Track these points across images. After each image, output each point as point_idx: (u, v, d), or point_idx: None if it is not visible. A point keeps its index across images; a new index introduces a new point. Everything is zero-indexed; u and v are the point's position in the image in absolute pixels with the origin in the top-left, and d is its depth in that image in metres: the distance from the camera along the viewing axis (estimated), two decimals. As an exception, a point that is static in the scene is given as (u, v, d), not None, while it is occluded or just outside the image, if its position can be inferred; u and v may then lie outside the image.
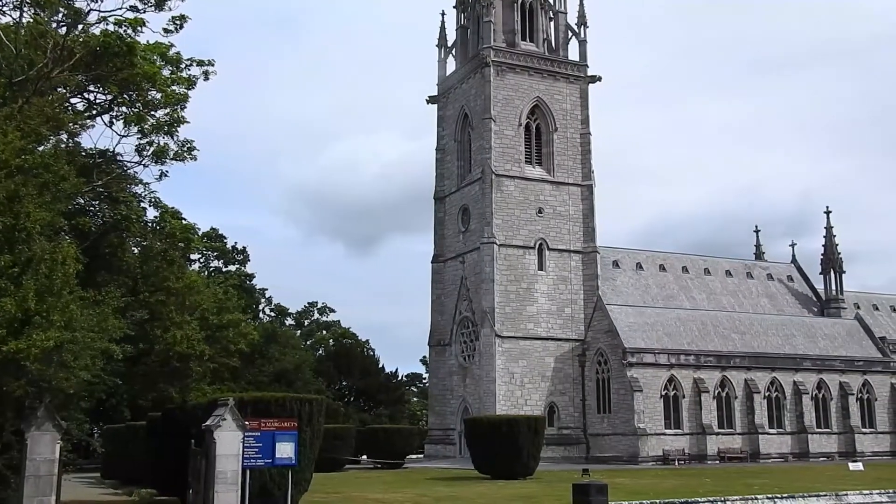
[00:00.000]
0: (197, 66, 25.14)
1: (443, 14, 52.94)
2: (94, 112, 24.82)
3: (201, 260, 60.18)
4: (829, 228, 56.86)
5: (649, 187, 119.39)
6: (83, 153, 24.17)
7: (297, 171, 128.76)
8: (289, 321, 74.88)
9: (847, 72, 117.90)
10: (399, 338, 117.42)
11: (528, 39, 50.13)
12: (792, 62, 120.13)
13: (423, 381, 78.25)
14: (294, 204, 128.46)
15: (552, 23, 51.12)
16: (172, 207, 29.38)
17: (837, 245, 56.24)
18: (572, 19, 50.67)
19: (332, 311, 78.25)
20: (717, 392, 46.02)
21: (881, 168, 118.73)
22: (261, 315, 69.14)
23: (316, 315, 78.05)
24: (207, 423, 15.96)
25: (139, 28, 22.22)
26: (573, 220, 48.10)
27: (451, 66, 52.55)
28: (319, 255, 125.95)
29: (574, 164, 48.87)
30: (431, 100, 52.62)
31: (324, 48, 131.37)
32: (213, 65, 25.25)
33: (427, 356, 53.53)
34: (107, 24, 22.10)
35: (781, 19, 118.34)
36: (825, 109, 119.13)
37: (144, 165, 24.31)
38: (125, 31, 22.00)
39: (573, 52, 50.32)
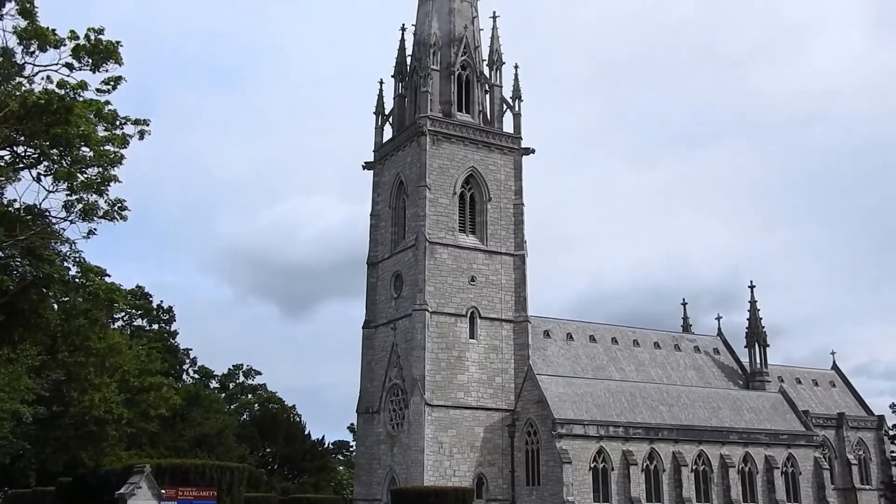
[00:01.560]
0: (133, 124, 25.27)
1: (381, 82, 54.22)
2: (21, 165, 24.66)
3: (125, 318, 59.04)
4: (753, 303, 58.92)
5: (580, 256, 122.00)
6: (6, 206, 23.92)
7: (233, 230, 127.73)
8: (213, 384, 73.50)
9: (766, 145, 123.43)
10: (327, 404, 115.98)
11: (464, 111, 51.54)
12: (715, 133, 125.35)
13: (350, 449, 77.26)
14: (229, 263, 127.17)
15: (488, 96, 52.72)
16: (96, 266, 29.00)
17: (761, 319, 58.27)
18: (507, 93, 52.37)
19: (259, 373, 77.19)
20: (645, 465, 46.67)
21: (804, 241, 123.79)
22: (184, 377, 67.76)
23: (241, 378, 76.80)
24: (121, 490, 15.80)
25: (79, 90, 22.39)
26: (505, 290, 48.89)
27: (388, 133, 53.55)
28: (252, 316, 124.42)
29: (507, 233, 49.92)
30: (367, 166, 53.40)
31: (264, 108, 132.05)
32: (148, 124, 25.38)
33: (355, 423, 53.07)
34: (49, 82, 22.25)
35: (705, 93, 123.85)
36: (747, 181, 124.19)
37: (71, 222, 24.17)
38: (66, 91, 22.15)
39: (508, 125, 51.89)
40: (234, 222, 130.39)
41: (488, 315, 48.02)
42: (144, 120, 24.48)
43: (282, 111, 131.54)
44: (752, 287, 59.26)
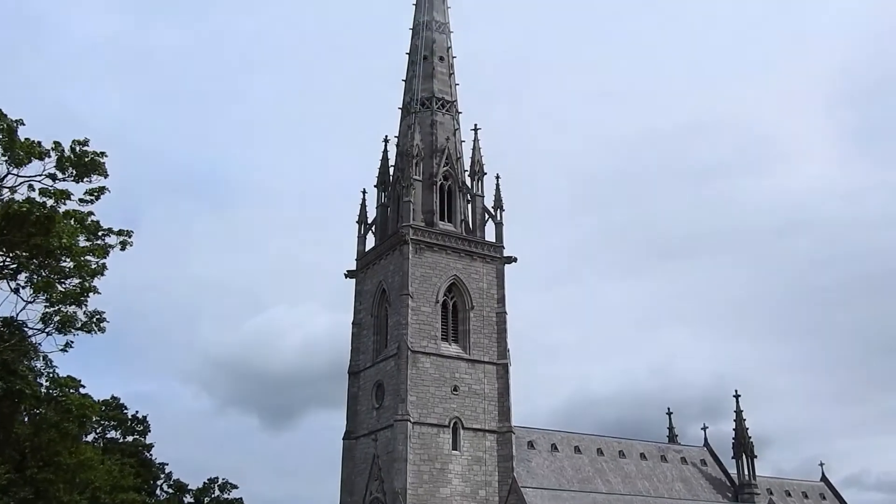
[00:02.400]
0: (115, 235, 25.47)
1: (364, 192, 55.11)
2: (-1, 276, 24.66)
3: (98, 430, 57.70)
4: (738, 412, 58.49)
5: (565, 365, 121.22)
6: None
7: (215, 340, 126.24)
8: (188, 498, 71.23)
9: (749, 255, 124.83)
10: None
11: (446, 220, 52.25)
12: (698, 245, 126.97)
13: (329, 568, 74.44)
14: (209, 373, 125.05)
15: (470, 205, 53.57)
16: (70, 377, 28.60)
17: (748, 429, 57.67)
18: (489, 202, 53.27)
19: (235, 487, 74.80)
20: (633, 582, 45.25)
21: (790, 351, 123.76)
22: (158, 492, 65.76)
23: (217, 492, 74.53)
24: None
25: (62, 200, 22.67)
26: (489, 399, 48.42)
27: (370, 242, 54.02)
28: (231, 427, 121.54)
29: (490, 342, 49.83)
30: (350, 274, 53.64)
31: (248, 218, 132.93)
32: (130, 235, 25.63)
33: (334, 540, 51.37)
34: (31, 191, 22.53)
35: (686, 205, 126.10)
36: (729, 293, 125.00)
37: (48, 334, 24.03)
38: (48, 201, 22.43)
39: (490, 234, 52.58)
40: (216, 331, 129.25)
41: (472, 426, 47.38)
42: (127, 231, 24.78)
43: (266, 220, 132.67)
44: (737, 396, 58.98)
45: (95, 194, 24.23)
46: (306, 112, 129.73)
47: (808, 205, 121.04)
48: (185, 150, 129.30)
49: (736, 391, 59.00)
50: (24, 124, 23.13)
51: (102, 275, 24.07)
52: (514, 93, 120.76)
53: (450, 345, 48.99)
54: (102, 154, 23.80)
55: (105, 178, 23.60)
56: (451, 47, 56.73)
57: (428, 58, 55.55)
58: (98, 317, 24.20)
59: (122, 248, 25.07)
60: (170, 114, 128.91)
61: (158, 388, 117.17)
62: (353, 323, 52.47)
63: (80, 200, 24.07)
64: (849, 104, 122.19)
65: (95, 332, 24.16)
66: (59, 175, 23.61)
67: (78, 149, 23.41)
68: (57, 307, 23.91)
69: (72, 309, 23.77)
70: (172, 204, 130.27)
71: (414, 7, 57.37)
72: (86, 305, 23.98)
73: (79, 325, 23.90)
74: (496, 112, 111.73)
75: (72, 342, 24.19)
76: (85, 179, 24.15)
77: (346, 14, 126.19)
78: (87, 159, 23.18)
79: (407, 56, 56.66)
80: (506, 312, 50.62)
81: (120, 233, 24.65)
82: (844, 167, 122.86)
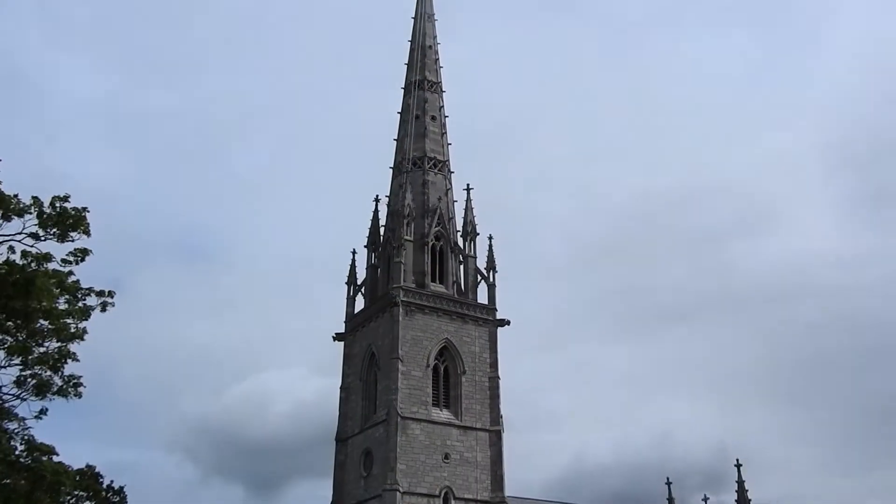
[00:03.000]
0: (96, 296, 24.65)
1: (354, 253, 54.38)
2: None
3: (71, 501, 55.71)
4: (740, 483, 57.09)
5: (562, 433, 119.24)
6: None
7: (200, 406, 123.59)
8: (163, 573, 68.78)
9: (748, 320, 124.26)
10: None
11: (437, 281, 51.50)
12: (696, 310, 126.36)
13: None
14: (194, 440, 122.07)
15: (462, 266, 52.91)
16: (44, 444, 27.31)
17: (750, 500, 56.19)
18: (481, 263, 52.59)
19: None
20: None
21: (792, 419, 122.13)
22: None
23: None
24: None
25: (43, 262, 21.91)
26: (481, 468, 47.07)
27: (360, 304, 53.14)
28: (215, 497, 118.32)
29: (482, 408, 48.65)
30: (338, 337, 52.58)
31: (236, 281, 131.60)
32: (112, 296, 24.81)
33: None
34: (11, 252, 21.79)
35: (683, 269, 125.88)
36: (728, 360, 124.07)
37: (23, 399, 22.98)
38: (29, 262, 21.65)
39: (482, 296, 51.77)
40: (201, 398, 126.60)
41: (463, 496, 45.89)
42: (109, 292, 23.95)
43: (254, 282, 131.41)
44: (738, 466, 57.62)
45: (80, 256, 23.54)
46: (296, 172, 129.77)
47: (808, 271, 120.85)
48: (172, 212, 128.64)
49: (737, 460, 57.72)
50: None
51: (82, 339, 23.20)
52: (508, 153, 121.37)
53: (441, 410, 47.78)
54: (84, 210, 23.14)
55: (87, 236, 22.89)
56: (443, 106, 56.78)
57: (420, 117, 55.53)
58: (75, 381, 23.21)
59: (103, 310, 24.20)
60: (158, 175, 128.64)
61: (139, 457, 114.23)
62: (341, 388, 51.23)
63: (63, 261, 23.34)
64: (847, 170, 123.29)
65: (72, 398, 23.16)
66: (41, 234, 22.91)
67: (59, 205, 22.73)
68: (33, 370, 22.94)
69: (48, 373, 22.82)
70: (159, 266, 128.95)
71: (406, 67, 57.54)
72: (62, 370, 23.02)
73: (55, 389, 22.91)
74: (489, 172, 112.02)
75: (46, 408, 23.17)
76: (68, 238, 23.44)
77: (337, 74, 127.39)
78: (68, 215, 22.46)
79: (399, 115, 56.67)
80: (499, 377, 49.56)
81: (101, 293, 23.83)
82: (843, 233, 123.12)
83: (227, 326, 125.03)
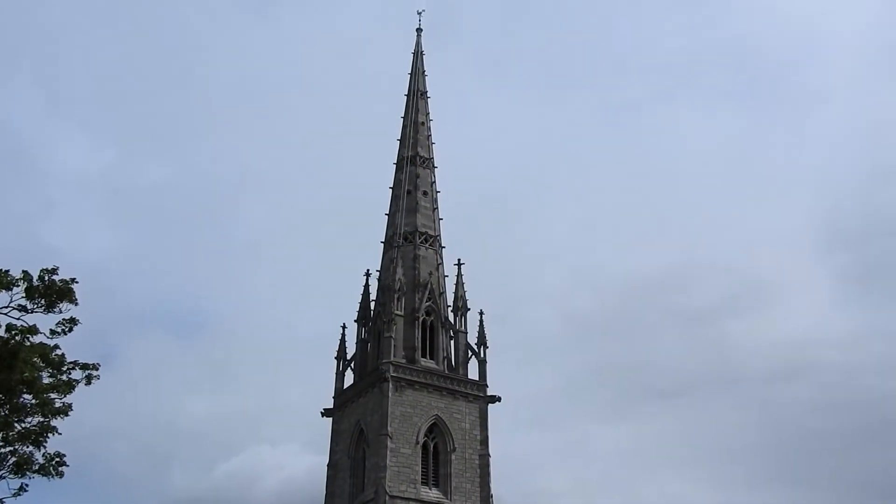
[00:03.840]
0: (80, 369, 24.53)
1: (343, 327, 54.31)
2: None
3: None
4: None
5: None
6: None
7: (189, 481, 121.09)
8: None
9: (742, 399, 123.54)
10: None
11: (428, 356, 51.33)
12: (689, 387, 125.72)
13: None
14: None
15: (452, 342, 52.84)
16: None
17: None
18: (472, 339, 52.55)
19: None
20: None
21: (789, 500, 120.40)
22: None
23: None
24: None
25: (29, 335, 21.92)
26: (471, 549, 46.18)
27: (349, 379, 52.83)
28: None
29: (472, 486, 48.02)
30: (327, 413, 52.11)
31: (227, 357, 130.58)
32: (97, 369, 24.70)
33: None
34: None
35: (676, 346, 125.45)
36: (726, 439, 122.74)
37: (1, 477, 22.61)
38: (13, 335, 21.64)
39: (473, 372, 51.62)
40: (191, 473, 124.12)
41: (453, 579, 44.93)
42: (93, 364, 23.80)
43: (244, 357, 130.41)
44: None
45: (68, 327, 23.56)
46: (289, 245, 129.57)
47: (804, 349, 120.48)
48: (165, 284, 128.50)
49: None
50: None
51: (67, 415, 23.00)
52: (502, 229, 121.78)
53: (430, 489, 47.12)
54: (72, 281, 23.25)
55: (75, 305, 22.95)
56: (434, 182, 57.55)
57: (412, 192, 56.16)
58: (58, 459, 22.91)
59: (88, 383, 24.02)
60: (153, 247, 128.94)
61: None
62: (328, 465, 50.57)
63: (51, 332, 23.34)
64: (839, 247, 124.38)
65: (53, 477, 22.82)
66: (29, 306, 22.97)
67: (47, 277, 22.84)
68: (13, 447, 22.66)
69: (29, 449, 22.55)
70: (151, 338, 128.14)
71: (398, 142, 58.50)
72: (45, 446, 22.76)
73: (36, 467, 22.59)
74: (483, 248, 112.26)
75: (26, 485, 22.79)
76: (55, 308, 23.49)
77: (331, 149, 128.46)
78: (56, 287, 22.56)
79: (391, 190, 57.32)
80: (489, 455, 49.03)
81: (85, 366, 23.70)
82: (837, 311, 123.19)
83: (218, 400, 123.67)
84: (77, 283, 23.28)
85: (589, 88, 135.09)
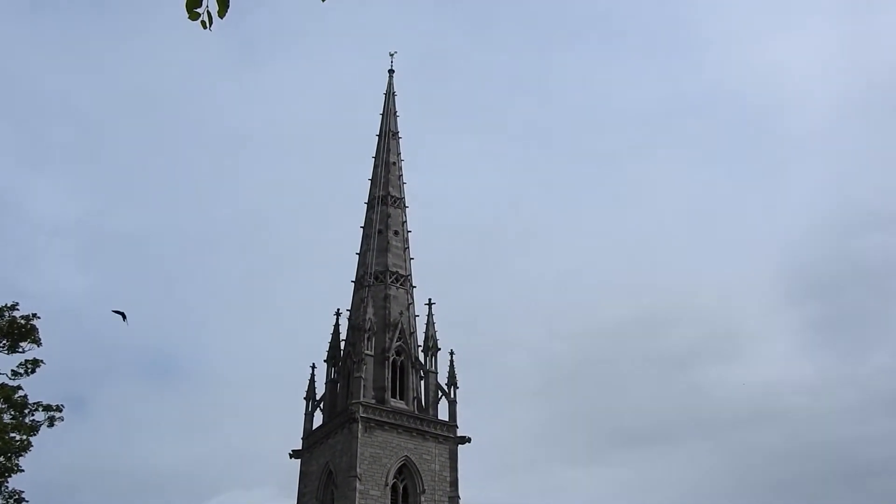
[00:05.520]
0: (43, 410, 24.65)
1: (313, 367, 54.43)
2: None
3: None
4: None
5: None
6: None
7: None
8: None
9: (716, 444, 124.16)
10: None
11: (398, 397, 51.54)
12: (664, 433, 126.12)
13: None
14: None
15: (423, 382, 53.09)
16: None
17: None
18: (443, 379, 52.85)
19: None
20: None
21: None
22: None
23: None
24: None
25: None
26: None
27: (318, 420, 52.81)
28: None
29: (442, 529, 47.97)
30: (295, 454, 52.02)
31: (201, 399, 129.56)
32: (60, 410, 24.84)
33: None
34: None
35: (650, 392, 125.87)
36: (697, 484, 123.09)
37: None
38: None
39: (443, 412, 51.83)
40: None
41: None
42: (56, 406, 23.99)
43: (218, 399, 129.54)
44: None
45: (30, 367, 23.67)
46: (258, 286, 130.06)
47: (774, 396, 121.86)
48: (138, 330, 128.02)
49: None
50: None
51: (26, 451, 23.03)
52: (475, 271, 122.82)
53: (399, 532, 47.03)
54: (34, 316, 23.44)
55: (38, 346, 23.10)
56: (406, 221, 58.18)
57: (383, 232, 56.74)
58: (17, 497, 22.89)
59: (51, 425, 24.17)
60: (125, 294, 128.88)
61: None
62: (297, 509, 50.38)
63: (13, 373, 23.43)
64: (810, 296, 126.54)
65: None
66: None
67: (7, 314, 23.01)
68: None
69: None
70: (123, 384, 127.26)
71: (370, 182, 59.17)
72: (6, 486, 22.75)
73: (-6, 506, 22.58)
74: (454, 289, 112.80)
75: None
76: (17, 349, 23.64)
77: (300, 189, 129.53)
78: (17, 326, 22.72)
79: (361, 229, 57.88)
80: (459, 497, 49.12)
81: (48, 408, 23.84)
82: (808, 358, 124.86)
83: (190, 444, 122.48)
84: (39, 318, 23.54)
85: (565, 139, 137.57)
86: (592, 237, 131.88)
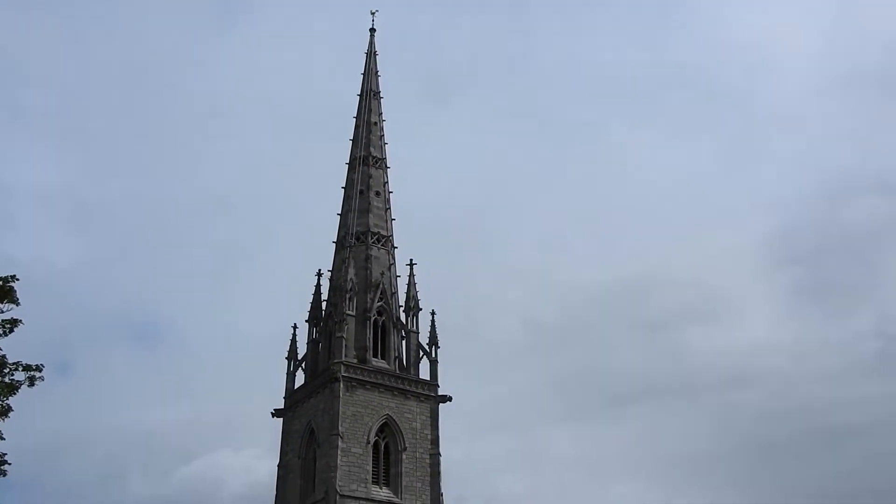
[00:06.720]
0: (23, 370, 24.88)
1: (295, 327, 54.94)
2: None
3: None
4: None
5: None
6: None
7: (149, 489, 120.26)
8: None
9: (695, 407, 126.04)
10: None
11: (379, 356, 52.14)
12: (648, 395, 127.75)
13: None
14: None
15: (404, 342, 53.67)
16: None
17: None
18: (424, 339, 53.39)
19: None
20: None
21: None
22: None
23: None
24: None
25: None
26: (421, 548, 47.10)
27: (300, 379, 53.40)
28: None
29: (423, 485, 48.93)
30: (277, 413, 52.67)
31: (188, 361, 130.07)
32: (40, 370, 25.08)
33: None
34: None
35: (635, 354, 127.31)
36: (679, 445, 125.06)
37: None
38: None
39: (425, 372, 52.47)
40: (151, 480, 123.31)
41: (402, 577, 45.79)
42: (36, 366, 24.22)
43: (205, 361, 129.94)
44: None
45: (8, 327, 23.87)
46: (243, 248, 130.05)
47: (755, 359, 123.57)
48: (124, 294, 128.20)
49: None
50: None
51: (7, 416, 23.35)
52: (458, 232, 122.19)
53: (381, 489, 47.96)
54: (13, 278, 23.63)
55: (16, 305, 23.31)
56: (387, 182, 58.31)
57: (364, 192, 56.88)
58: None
59: (31, 384, 24.41)
60: (112, 259, 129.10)
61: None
62: (279, 465, 51.24)
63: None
64: (792, 262, 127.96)
65: (-4, 475, 23.15)
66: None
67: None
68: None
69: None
70: (107, 349, 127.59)
71: (350, 142, 59.15)
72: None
73: (-26, 468, 22.94)
74: (436, 250, 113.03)
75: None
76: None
77: (281, 149, 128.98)
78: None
79: (343, 190, 57.98)
80: (440, 454, 49.98)
81: (28, 367, 24.11)
82: (790, 322, 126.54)
83: (177, 406, 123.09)
84: (18, 280, 23.70)
85: (550, 105, 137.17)
86: (577, 202, 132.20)
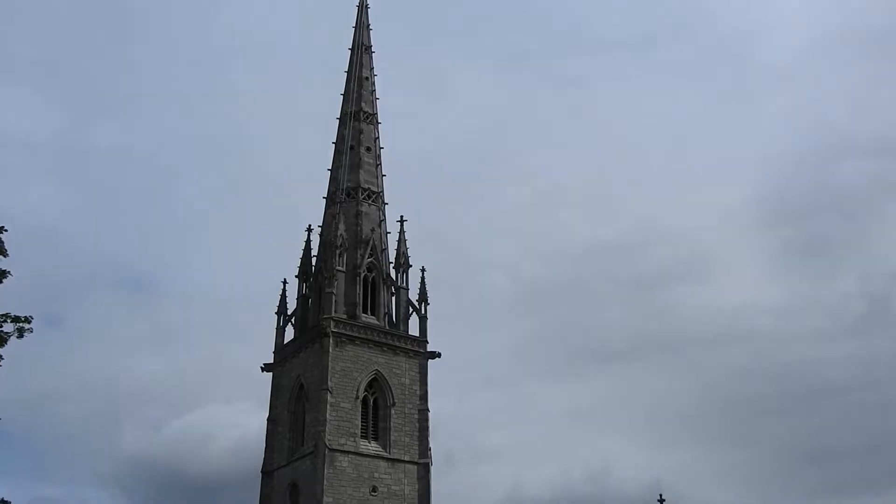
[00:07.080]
0: (12, 321, 24.91)
1: (284, 282, 55.03)
2: None
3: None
4: (666, 518, 58.32)
5: (497, 470, 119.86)
6: None
7: (139, 441, 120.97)
8: None
9: (682, 365, 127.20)
10: None
11: (369, 312, 52.31)
12: (633, 351, 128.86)
13: None
14: (130, 476, 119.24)
15: (394, 298, 53.83)
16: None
17: (672, 534, 57.46)
18: (414, 296, 53.56)
19: None
20: None
21: (724, 461, 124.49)
22: None
23: None
24: None
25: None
26: (409, 501, 47.78)
27: (289, 334, 53.60)
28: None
29: (411, 440, 49.43)
30: (266, 367, 52.93)
31: (178, 315, 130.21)
32: (29, 321, 25.12)
33: None
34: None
35: (620, 315, 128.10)
36: (665, 401, 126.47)
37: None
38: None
39: (414, 328, 52.70)
40: (141, 433, 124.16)
41: (390, 530, 46.45)
42: (25, 317, 24.25)
43: (195, 315, 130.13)
44: (661, 501, 58.89)
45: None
46: (232, 204, 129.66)
47: (741, 318, 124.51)
48: (113, 247, 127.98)
49: (661, 496, 58.82)
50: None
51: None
52: (450, 190, 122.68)
53: (369, 443, 48.44)
54: (1, 229, 23.53)
55: (4, 256, 23.23)
56: (378, 138, 58.04)
57: (355, 148, 56.62)
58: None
59: (20, 336, 24.48)
60: (101, 211, 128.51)
61: (70, 493, 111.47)
62: (268, 419, 51.61)
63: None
64: (781, 221, 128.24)
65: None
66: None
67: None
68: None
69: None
70: (99, 300, 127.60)
71: (341, 97, 58.66)
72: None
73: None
74: (428, 207, 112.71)
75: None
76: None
77: (271, 103, 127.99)
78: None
79: (333, 145, 57.69)
80: (428, 409, 50.42)
81: (17, 319, 24.13)
82: (776, 282, 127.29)
83: (169, 360, 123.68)
84: (6, 231, 23.63)
85: (541, 62, 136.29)
86: (566, 160, 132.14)
